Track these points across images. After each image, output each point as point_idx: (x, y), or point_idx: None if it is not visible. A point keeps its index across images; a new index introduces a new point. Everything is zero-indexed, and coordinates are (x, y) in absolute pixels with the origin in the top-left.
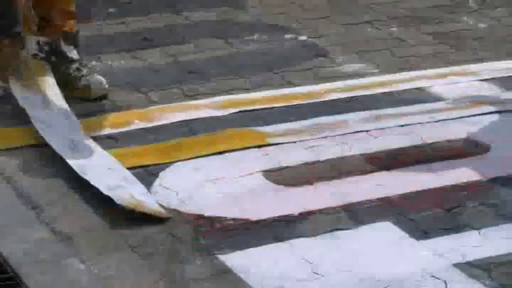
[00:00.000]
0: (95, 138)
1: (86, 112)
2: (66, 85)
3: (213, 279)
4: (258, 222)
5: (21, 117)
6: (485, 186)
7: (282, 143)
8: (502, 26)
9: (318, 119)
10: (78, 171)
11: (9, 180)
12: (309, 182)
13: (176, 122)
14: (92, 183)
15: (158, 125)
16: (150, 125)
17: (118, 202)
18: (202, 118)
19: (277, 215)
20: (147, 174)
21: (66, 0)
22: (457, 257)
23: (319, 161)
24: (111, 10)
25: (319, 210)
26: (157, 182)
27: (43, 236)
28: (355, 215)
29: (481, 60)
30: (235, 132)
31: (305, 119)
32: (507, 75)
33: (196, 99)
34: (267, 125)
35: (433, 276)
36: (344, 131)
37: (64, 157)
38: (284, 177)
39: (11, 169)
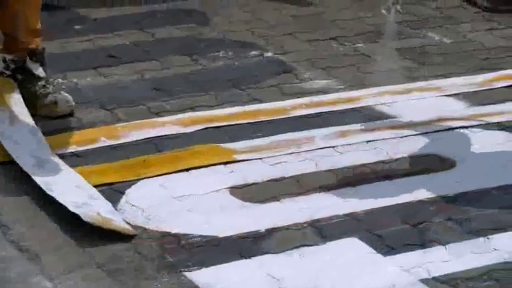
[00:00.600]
0: (61, 156)
1: (53, 129)
2: (33, 102)
3: None
4: (224, 238)
5: None
6: (452, 201)
7: (248, 160)
8: (467, 42)
9: (284, 135)
10: (44, 189)
11: None
12: (276, 198)
13: (142, 139)
14: (58, 200)
15: (124, 142)
16: (116, 142)
17: (85, 219)
18: (168, 135)
19: (244, 232)
20: (113, 192)
21: (32, 18)
22: (423, 272)
23: (285, 177)
24: (77, 27)
25: (286, 226)
26: (123, 199)
27: (10, 254)
28: (322, 231)
29: (445, 75)
30: (201, 149)
31: (271, 135)
32: (471, 90)
33: (163, 116)
34: (234, 141)
35: None
36: (310, 147)
37: (31, 174)
38: (251, 193)
39: None
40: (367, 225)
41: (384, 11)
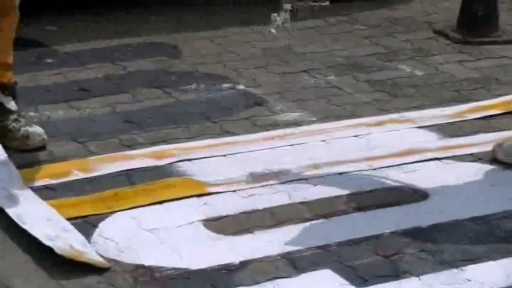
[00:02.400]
0: (33, 189)
1: (24, 162)
2: (5, 135)
3: None
4: (197, 271)
5: None
6: (424, 233)
7: (221, 192)
8: (438, 73)
9: (257, 167)
10: (17, 221)
11: None
12: (249, 231)
13: (115, 172)
14: (31, 232)
15: (97, 176)
16: (88, 175)
17: (58, 252)
18: (140, 168)
19: (217, 264)
20: (86, 225)
21: (3, 52)
22: None
23: (258, 210)
24: (48, 61)
25: (259, 258)
26: (96, 232)
27: None
28: (295, 262)
29: (418, 107)
30: (174, 182)
31: (244, 167)
32: (444, 122)
33: (135, 149)
34: (206, 174)
35: None
36: (283, 179)
37: (3, 206)
38: (224, 226)
39: None
40: (340, 257)
41: (273, 30)
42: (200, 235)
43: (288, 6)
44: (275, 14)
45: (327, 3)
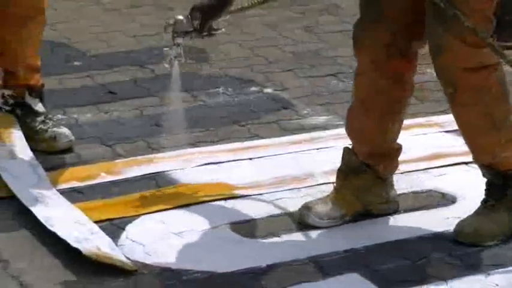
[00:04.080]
0: (61, 192)
1: (52, 165)
2: (32, 138)
3: None
4: (224, 274)
5: None
6: (452, 237)
7: (248, 195)
8: None
9: (283, 171)
10: (45, 224)
11: None
12: (276, 234)
13: (142, 175)
14: (59, 235)
15: (124, 178)
16: (116, 178)
17: (85, 254)
18: (168, 171)
19: (243, 268)
20: (113, 227)
21: (31, 54)
22: None
23: (285, 213)
24: (76, 63)
25: (286, 262)
26: (124, 234)
27: None
28: (322, 267)
29: (445, 111)
30: (201, 185)
31: (271, 171)
32: None
33: (162, 152)
34: (233, 177)
35: None
36: (310, 183)
37: (31, 209)
38: (250, 229)
39: None
40: (368, 261)
41: (166, 65)
42: (227, 238)
43: (180, 41)
44: (167, 49)
45: (223, 30)
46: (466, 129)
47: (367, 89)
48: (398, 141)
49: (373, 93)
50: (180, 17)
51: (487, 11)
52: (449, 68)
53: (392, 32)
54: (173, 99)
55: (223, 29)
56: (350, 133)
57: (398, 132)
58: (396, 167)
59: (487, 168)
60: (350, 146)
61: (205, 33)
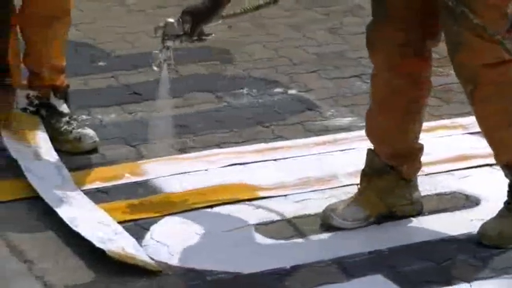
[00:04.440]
0: (85, 192)
1: (76, 165)
2: (57, 139)
3: None
4: (249, 275)
5: (12, 170)
6: (476, 239)
7: (272, 197)
8: None
9: (308, 172)
10: (69, 224)
11: (0, 233)
12: (300, 236)
13: (166, 176)
14: (83, 235)
15: (148, 179)
16: (140, 178)
17: (109, 255)
18: (192, 171)
19: (268, 268)
20: (138, 228)
21: (57, 55)
22: None
23: (310, 215)
24: (101, 64)
25: (310, 263)
26: (148, 235)
27: None
28: (346, 268)
29: (469, 113)
30: (225, 186)
31: (295, 172)
32: None
33: (186, 152)
34: (257, 178)
35: None
36: (335, 185)
37: (56, 210)
38: (275, 230)
39: (2, 223)
40: (392, 263)
41: (155, 68)
42: (251, 239)
43: (170, 44)
44: (157, 51)
45: (212, 36)
46: (486, 126)
47: (384, 90)
48: (423, 143)
49: (390, 94)
50: (171, 20)
51: (503, 7)
52: (467, 65)
53: (404, 31)
54: (162, 104)
55: (213, 35)
56: (370, 135)
57: (419, 132)
58: (419, 167)
59: (508, 169)
60: (373, 148)
61: (195, 38)
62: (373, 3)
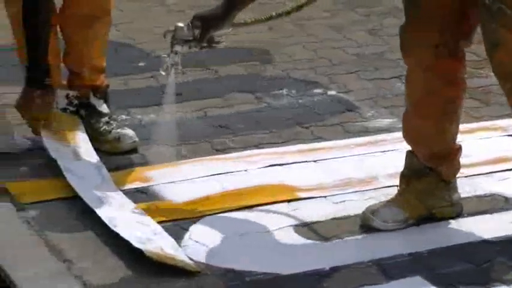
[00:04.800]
0: (124, 192)
1: (116, 165)
2: (96, 139)
3: None
4: (288, 276)
5: (51, 170)
6: None
7: (311, 198)
8: None
9: (348, 173)
10: (108, 224)
11: (40, 233)
12: (339, 237)
13: (206, 176)
14: (122, 235)
15: (188, 179)
16: (179, 179)
17: (148, 255)
18: (231, 172)
19: (307, 270)
20: (177, 228)
21: (97, 56)
22: None
23: (349, 216)
24: (141, 64)
25: (349, 264)
26: (187, 235)
27: None
28: (385, 270)
29: (510, 115)
30: (264, 187)
31: (335, 173)
32: None
33: (226, 153)
34: (297, 179)
35: None
36: (375, 186)
37: (95, 209)
38: (314, 231)
39: (42, 222)
40: (431, 265)
41: (162, 72)
42: (291, 240)
43: (178, 49)
44: (165, 56)
45: (222, 44)
46: None
47: (419, 92)
48: (463, 144)
49: (426, 95)
50: (181, 24)
51: None
52: (505, 63)
53: (438, 31)
54: (168, 109)
55: (224, 43)
56: (407, 136)
57: (456, 133)
58: (458, 168)
59: None
60: (412, 149)
61: (204, 44)
62: (406, 4)
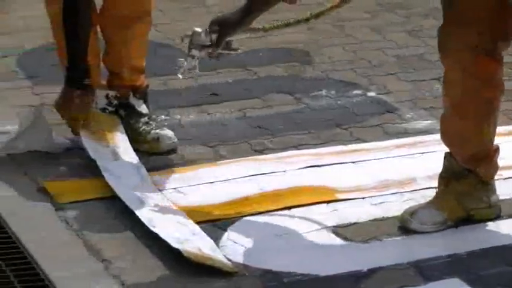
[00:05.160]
0: (163, 192)
1: (155, 166)
2: (135, 139)
3: None
4: (326, 277)
5: (90, 170)
6: None
7: (350, 199)
8: None
9: (386, 175)
10: (147, 224)
11: (78, 233)
12: (378, 238)
13: (244, 177)
14: (160, 236)
15: (226, 180)
16: (218, 179)
17: (186, 255)
18: (270, 173)
19: (345, 271)
20: (215, 229)
21: (137, 55)
22: None
23: (388, 217)
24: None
25: (387, 266)
26: (225, 236)
27: None
28: (423, 271)
29: None
30: (303, 188)
31: (373, 175)
32: None
33: (264, 154)
34: (335, 180)
35: None
36: (413, 187)
37: (133, 210)
38: (352, 233)
39: (80, 222)
40: (470, 267)
41: (180, 76)
42: (329, 242)
43: (196, 53)
44: (182, 60)
45: (239, 51)
46: None
47: (457, 93)
48: (501, 147)
49: (464, 97)
50: (198, 30)
51: None
52: None
53: (476, 32)
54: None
55: (240, 50)
56: (445, 138)
57: (494, 134)
58: (496, 169)
59: None
60: (450, 151)
61: (221, 50)
62: (445, 5)
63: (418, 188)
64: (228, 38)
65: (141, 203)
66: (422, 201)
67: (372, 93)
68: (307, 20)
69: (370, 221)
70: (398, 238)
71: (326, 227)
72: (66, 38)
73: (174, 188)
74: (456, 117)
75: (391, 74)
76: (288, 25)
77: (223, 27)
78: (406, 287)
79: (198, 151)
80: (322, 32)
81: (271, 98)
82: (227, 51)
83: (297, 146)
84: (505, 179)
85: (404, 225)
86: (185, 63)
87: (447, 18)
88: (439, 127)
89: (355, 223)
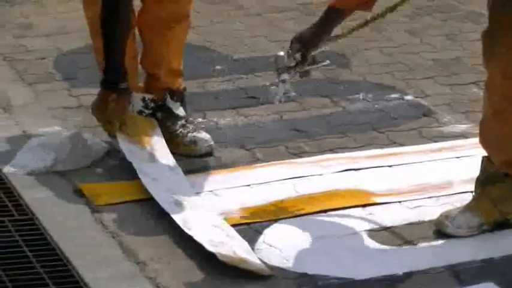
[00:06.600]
0: (199, 195)
1: (191, 168)
2: (172, 141)
3: None
4: (361, 281)
5: (126, 172)
6: None
7: (386, 203)
8: None
9: (423, 179)
10: (182, 227)
11: (114, 235)
12: (413, 242)
13: (281, 180)
14: (195, 238)
15: (263, 182)
16: (254, 182)
17: (220, 259)
18: (306, 176)
19: (380, 275)
20: (250, 231)
21: (174, 59)
22: None
23: (424, 221)
24: (217, 67)
25: (423, 270)
26: (261, 239)
27: None
28: (459, 275)
29: None
30: (339, 191)
31: (410, 178)
32: None
33: (301, 157)
34: (372, 184)
35: None
36: (449, 192)
37: (169, 212)
38: (388, 236)
39: (116, 224)
40: (505, 271)
41: (277, 103)
42: (364, 245)
43: (285, 76)
44: (274, 87)
45: (327, 62)
46: None
47: (498, 97)
48: None
49: (504, 101)
50: (281, 53)
51: None
52: None
53: None
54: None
55: (328, 62)
56: (484, 143)
57: None
58: None
59: None
60: (488, 155)
61: (308, 66)
62: (491, 9)
63: (454, 192)
64: (312, 53)
65: (177, 205)
66: (458, 205)
67: (409, 97)
68: (382, 15)
69: (405, 224)
70: (434, 242)
71: (362, 231)
72: (104, 41)
73: (210, 191)
74: (496, 122)
75: (429, 77)
76: (363, 25)
77: (304, 43)
78: None
79: (235, 154)
80: (359, 35)
81: (308, 101)
82: (316, 66)
83: (334, 149)
84: None
85: (440, 229)
86: (278, 90)
87: (496, 22)
88: (475, 131)
89: (391, 226)
